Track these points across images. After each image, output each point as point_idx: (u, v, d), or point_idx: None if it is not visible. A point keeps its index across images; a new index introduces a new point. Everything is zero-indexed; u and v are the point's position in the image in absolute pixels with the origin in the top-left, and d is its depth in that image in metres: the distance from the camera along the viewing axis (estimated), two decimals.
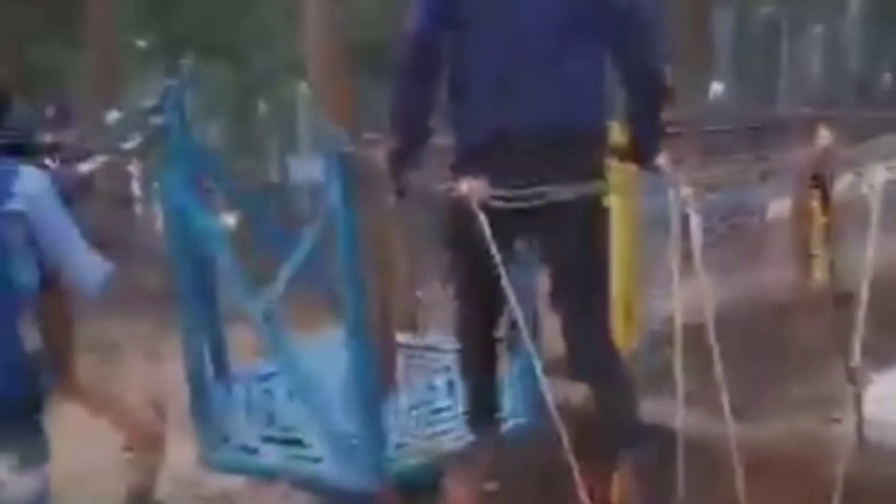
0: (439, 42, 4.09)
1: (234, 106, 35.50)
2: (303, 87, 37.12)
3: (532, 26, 4.07)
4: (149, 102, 5.29)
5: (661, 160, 4.18)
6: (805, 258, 7.09)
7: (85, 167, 5.28)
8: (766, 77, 28.02)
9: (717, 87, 23.77)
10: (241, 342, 5.53)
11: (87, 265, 3.63)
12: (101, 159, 5.31)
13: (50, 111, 5.55)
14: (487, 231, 3.80)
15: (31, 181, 3.55)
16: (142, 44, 22.08)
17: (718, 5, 23.82)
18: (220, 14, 23.14)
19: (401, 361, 5.23)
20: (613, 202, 4.33)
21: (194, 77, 33.89)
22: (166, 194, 5.18)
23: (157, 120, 5.11)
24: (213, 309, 5.36)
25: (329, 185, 4.44)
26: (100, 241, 3.76)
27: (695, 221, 3.34)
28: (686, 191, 3.33)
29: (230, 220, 5.96)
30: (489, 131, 4.06)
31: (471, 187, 3.89)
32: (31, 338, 3.61)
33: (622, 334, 5.08)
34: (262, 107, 37.64)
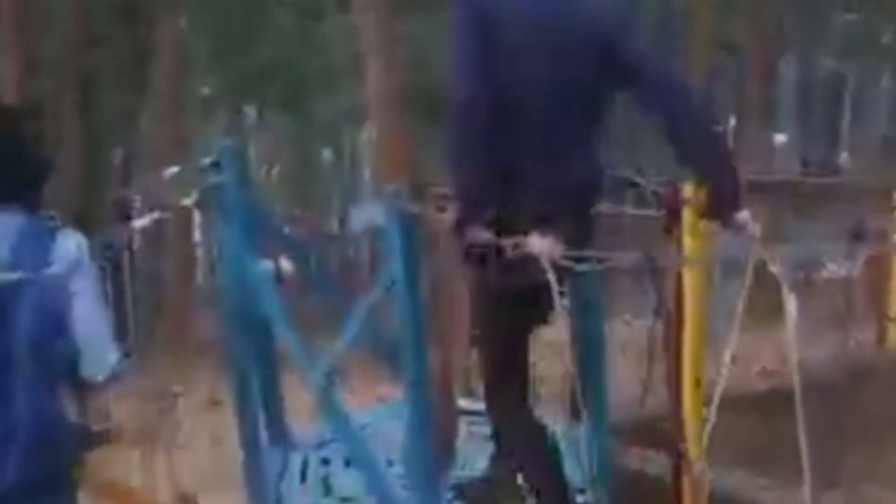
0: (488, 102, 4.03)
1: (295, 153, 35.68)
2: (364, 135, 37.51)
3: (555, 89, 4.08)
4: (207, 159, 5.19)
5: (744, 216, 4.00)
6: (882, 320, 6.88)
7: (141, 222, 5.17)
8: (831, 129, 27.76)
9: (779, 138, 23.57)
10: (299, 404, 5.39)
11: (104, 347, 3.49)
12: (155, 215, 5.20)
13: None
14: (556, 290, 3.64)
15: (71, 244, 3.44)
16: (205, 90, 22.14)
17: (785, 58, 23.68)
18: (282, 61, 23.19)
19: (462, 428, 5.06)
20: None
21: (254, 129, 34.27)
22: (223, 249, 5.06)
23: (215, 177, 5.00)
24: (270, 371, 5.22)
25: (391, 247, 4.29)
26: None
27: (791, 304, 3.13)
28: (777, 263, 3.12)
29: (287, 266, 5.86)
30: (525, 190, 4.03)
31: (542, 246, 3.72)
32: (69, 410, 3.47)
33: (692, 402, 4.89)
34: (325, 155, 37.82)
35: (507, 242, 3.77)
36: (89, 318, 3.45)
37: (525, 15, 4.10)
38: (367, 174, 40.63)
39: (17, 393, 3.31)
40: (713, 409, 3.87)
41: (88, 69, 20.17)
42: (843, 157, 28.43)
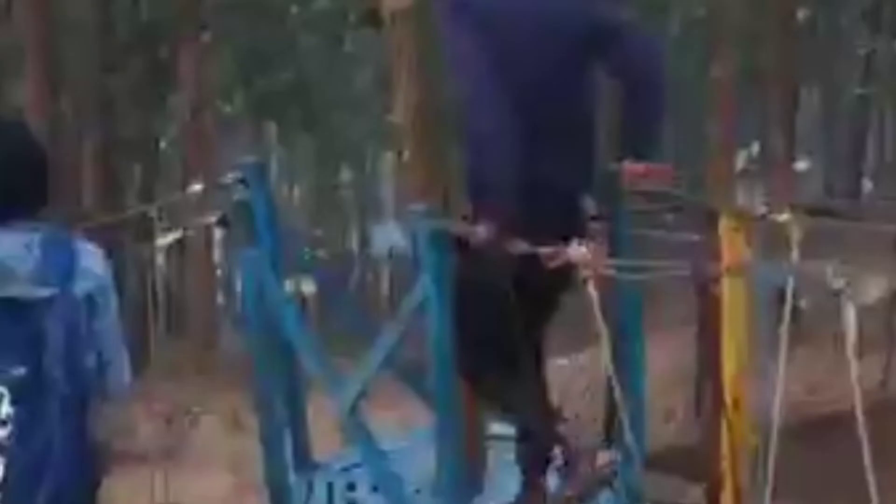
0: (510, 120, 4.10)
1: (317, 172, 35.67)
2: (387, 156, 37.55)
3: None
4: (231, 177, 5.09)
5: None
6: None
7: (165, 240, 5.08)
8: (855, 155, 27.60)
9: (801, 165, 23.42)
10: (323, 427, 5.27)
11: (122, 362, 3.45)
12: (177, 234, 5.09)
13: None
14: (597, 303, 3.51)
15: (96, 260, 3.38)
16: (228, 109, 22.13)
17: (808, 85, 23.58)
18: (306, 80, 23.19)
19: (492, 455, 4.93)
20: (724, 283, 4.09)
21: (278, 148, 34.25)
22: (246, 271, 4.94)
23: (239, 195, 4.89)
24: (295, 394, 5.10)
25: (422, 265, 4.16)
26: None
27: (850, 312, 2.99)
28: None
29: (309, 287, 5.76)
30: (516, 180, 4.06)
31: (584, 255, 3.59)
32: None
33: (731, 427, 4.75)
34: (346, 174, 37.79)
35: (546, 251, 3.66)
36: (111, 334, 3.41)
37: (511, 12, 4.20)
38: (387, 194, 40.70)
39: (48, 411, 3.21)
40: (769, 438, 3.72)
41: (110, 89, 20.18)
42: (867, 185, 28.28)
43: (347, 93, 27.72)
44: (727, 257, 4.59)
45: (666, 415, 9.62)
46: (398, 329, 4.32)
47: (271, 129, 30.30)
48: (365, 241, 35.86)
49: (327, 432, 5.38)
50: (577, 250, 3.57)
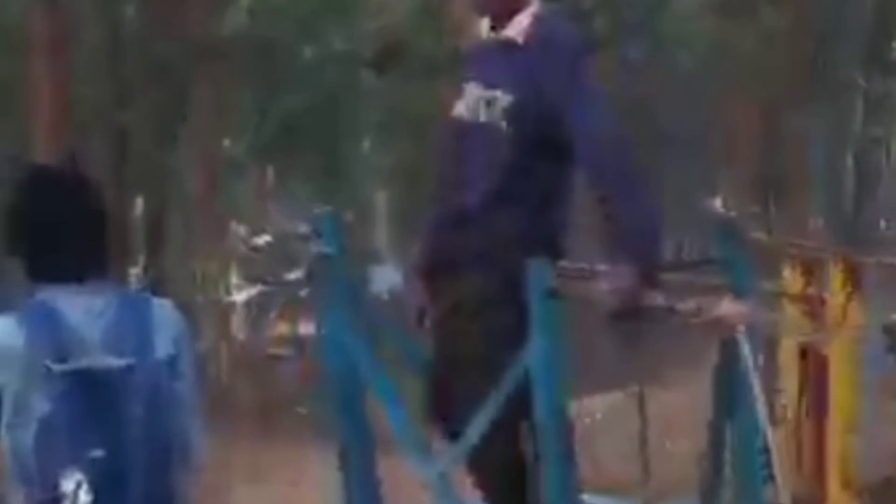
0: None
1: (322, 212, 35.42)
2: (382, 195, 37.39)
3: None
4: (303, 228, 4.85)
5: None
6: None
7: (243, 296, 4.85)
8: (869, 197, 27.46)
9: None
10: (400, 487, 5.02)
11: (200, 432, 3.21)
12: (259, 288, 4.87)
13: None
14: (751, 364, 3.27)
15: (171, 318, 3.14)
16: (233, 153, 21.99)
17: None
18: (307, 124, 23.06)
19: None
20: (833, 348, 3.90)
21: (276, 189, 33.99)
22: (328, 333, 4.69)
23: (318, 248, 4.65)
24: (369, 453, 4.84)
25: (533, 328, 3.91)
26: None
27: None
28: None
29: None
30: None
31: (737, 310, 3.35)
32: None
33: (842, 497, 4.52)
34: (348, 216, 37.59)
35: (686, 307, 3.44)
36: (192, 402, 3.17)
37: None
38: (381, 235, 40.54)
39: (130, 495, 2.97)
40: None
41: (121, 126, 20.01)
42: (882, 225, 28.15)
43: (349, 134, 27.63)
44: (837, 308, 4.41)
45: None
46: (502, 396, 4.05)
47: (269, 170, 30.20)
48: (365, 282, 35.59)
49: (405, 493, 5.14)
50: (729, 305, 3.32)
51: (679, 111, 28.60)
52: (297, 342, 34.29)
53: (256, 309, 20.54)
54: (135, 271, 22.88)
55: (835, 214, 23.97)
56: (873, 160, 28.45)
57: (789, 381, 5.17)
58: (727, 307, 3.32)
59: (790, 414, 5.10)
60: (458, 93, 4.30)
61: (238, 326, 21.76)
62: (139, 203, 23.18)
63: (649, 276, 3.79)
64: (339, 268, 4.66)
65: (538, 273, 3.86)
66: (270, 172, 30.34)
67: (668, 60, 26.13)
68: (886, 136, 28.27)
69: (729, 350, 3.84)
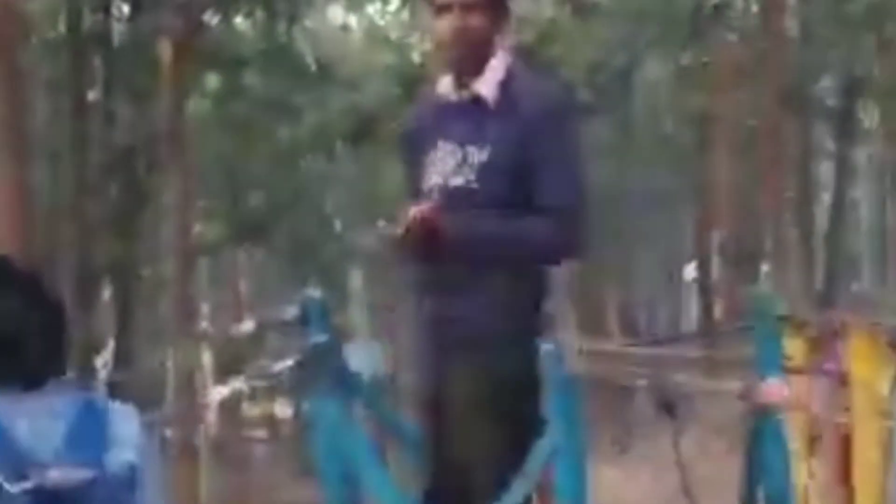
0: None
1: (290, 292, 35.24)
2: (356, 275, 37.29)
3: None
4: (288, 313, 4.58)
5: None
6: None
7: (219, 394, 4.55)
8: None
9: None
10: None
11: None
12: (239, 383, 4.58)
13: None
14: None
15: (133, 423, 2.88)
16: (212, 234, 21.79)
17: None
18: (284, 203, 22.90)
19: None
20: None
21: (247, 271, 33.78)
22: (320, 425, 4.38)
23: (309, 336, 4.36)
24: None
25: (552, 411, 3.63)
26: None
27: None
28: None
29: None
30: None
31: (776, 391, 3.11)
32: None
33: None
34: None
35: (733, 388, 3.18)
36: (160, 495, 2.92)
37: None
38: (358, 318, 40.35)
39: None
40: None
41: (86, 214, 19.78)
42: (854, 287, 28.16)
43: (324, 214, 27.54)
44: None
45: None
46: (527, 484, 3.75)
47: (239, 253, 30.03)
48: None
49: None
50: (777, 389, 3.07)
51: (652, 181, 28.62)
52: (273, 424, 34.02)
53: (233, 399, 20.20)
54: (101, 361, 22.59)
55: (808, 279, 23.85)
56: (844, 223, 28.49)
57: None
58: (778, 392, 3.07)
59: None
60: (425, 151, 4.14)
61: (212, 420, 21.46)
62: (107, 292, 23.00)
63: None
64: (331, 355, 4.38)
65: (553, 358, 3.58)
66: (243, 257, 30.26)
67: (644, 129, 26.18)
68: (857, 199, 28.34)
69: (764, 428, 3.66)
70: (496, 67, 4.02)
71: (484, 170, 3.96)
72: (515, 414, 3.87)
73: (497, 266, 3.93)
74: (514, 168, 3.92)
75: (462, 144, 4.01)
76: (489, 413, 3.92)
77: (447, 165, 4.04)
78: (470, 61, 4.02)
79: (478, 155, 3.98)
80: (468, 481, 4.00)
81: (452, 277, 3.98)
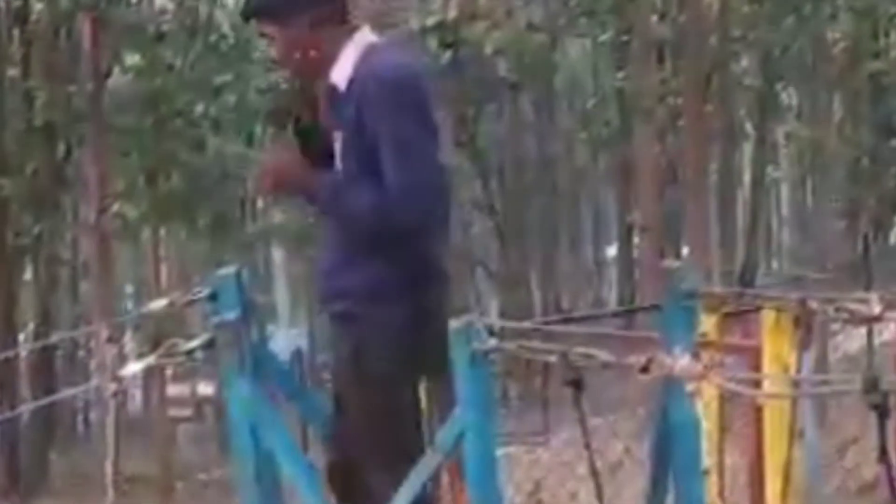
0: None
1: (208, 273, 34.95)
2: (279, 253, 36.95)
3: None
4: (202, 291, 4.52)
5: None
6: None
7: (132, 369, 4.50)
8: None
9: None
10: None
11: None
12: (149, 360, 4.52)
13: None
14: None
15: None
16: (131, 213, 21.50)
17: None
18: (206, 183, 22.69)
19: None
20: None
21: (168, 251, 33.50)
22: (234, 408, 4.32)
23: (222, 315, 4.30)
24: None
25: (460, 391, 3.59)
26: None
27: None
28: None
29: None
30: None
31: (685, 366, 3.08)
32: None
33: None
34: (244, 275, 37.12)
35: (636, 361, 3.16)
36: None
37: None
38: (281, 297, 39.98)
39: None
40: None
41: (3, 193, 19.50)
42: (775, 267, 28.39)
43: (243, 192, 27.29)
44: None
45: None
46: (434, 462, 3.73)
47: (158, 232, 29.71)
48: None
49: None
50: (686, 363, 3.04)
51: (575, 160, 28.67)
52: (196, 403, 33.69)
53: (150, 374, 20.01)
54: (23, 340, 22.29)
55: (728, 258, 23.98)
56: (765, 204, 28.70)
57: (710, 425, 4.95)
58: (682, 363, 3.04)
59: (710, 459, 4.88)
60: None
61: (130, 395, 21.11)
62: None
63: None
64: (241, 333, 4.32)
65: (462, 336, 3.54)
66: (163, 234, 29.98)
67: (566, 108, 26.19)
68: (777, 179, 28.56)
69: (669, 402, 3.70)
70: (349, 53, 4.08)
71: (341, 153, 4.09)
72: (375, 377, 3.96)
73: (349, 226, 4.07)
74: (364, 148, 4.00)
75: (333, 130, 4.13)
76: (351, 375, 4.05)
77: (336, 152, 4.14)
78: (313, 65, 4.12)
79: (339, 140, 4.10)
80: (350, 448, 4.10)
81: (325, 231, 4.24)
